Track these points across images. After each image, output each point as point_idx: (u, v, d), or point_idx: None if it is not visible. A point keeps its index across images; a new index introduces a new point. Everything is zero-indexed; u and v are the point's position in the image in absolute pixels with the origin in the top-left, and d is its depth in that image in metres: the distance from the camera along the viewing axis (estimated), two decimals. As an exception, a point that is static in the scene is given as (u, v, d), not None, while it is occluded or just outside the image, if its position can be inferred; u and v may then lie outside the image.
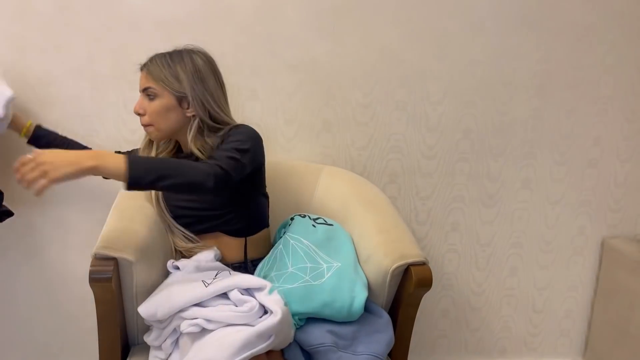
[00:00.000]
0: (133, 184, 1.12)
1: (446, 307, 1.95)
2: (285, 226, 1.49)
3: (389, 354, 1.37)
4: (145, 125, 1.38)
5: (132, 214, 1.39)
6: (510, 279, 1.95)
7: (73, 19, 1.58)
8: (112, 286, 1.20)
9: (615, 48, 1.80)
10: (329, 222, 1.47)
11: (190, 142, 1.37)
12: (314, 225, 1.42)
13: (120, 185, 1.59)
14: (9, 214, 1.54)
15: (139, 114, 1.37)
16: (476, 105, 1.79)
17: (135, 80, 1.63)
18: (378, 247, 1.40)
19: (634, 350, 1.77)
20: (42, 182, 1.03)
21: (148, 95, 1.36)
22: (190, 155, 1.39)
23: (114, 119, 1.66)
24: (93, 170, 1.09)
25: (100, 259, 1.21)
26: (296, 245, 1.31)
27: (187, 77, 1.34)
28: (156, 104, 1.35)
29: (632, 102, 1.85)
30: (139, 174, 1.12)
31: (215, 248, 1.39)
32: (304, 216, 1.47)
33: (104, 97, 1.65)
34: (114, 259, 1.22)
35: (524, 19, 1.74)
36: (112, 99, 1.65)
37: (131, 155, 1.16)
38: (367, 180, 1.71)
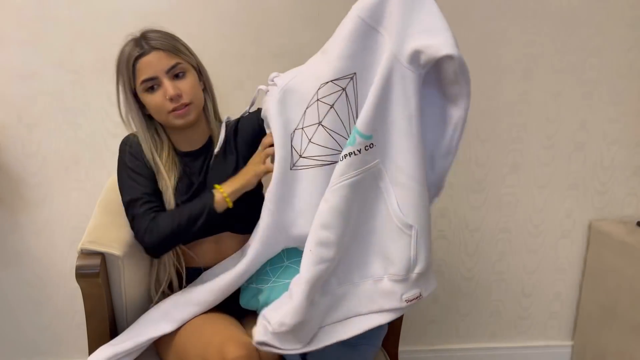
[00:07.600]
0: None
1: (436, 293, 1.96)
2: None
3: (380, 342, 1.37)
4: (186, 106, 1.24)
5: (118, 208, 1.37)
6: (499, 263, 1.96)
7: (52, 10, 1.55)
8: (99, 281, 1.19)
9: (600, 31, 1.80)
10: None
11: (211, 119, 1.34)
12: None
13: (104, 179, 1.58)
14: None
15: (176, 96, 1.22)
16: (463, 90, 1.78)
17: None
18: (367, 235, 1.39)
19: (621, 331, 1.79)
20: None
21: (177, 74, 1.24)
22: (205, 150, 1.33)
23: (98, 112, 1.64)
24: None
25: (86, 254, 1.20)
26: None
27: (189, 49, 1.28)
28: (189, 79, 1.25)
29: (618, 85, 1.85)
30: None
31: None
32: None
33: (86, 90, 1.62)
34: (101, 254, 1.20)
35: (509, 2, 1.73)
36: (95, 92, 1.62)
37: None
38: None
